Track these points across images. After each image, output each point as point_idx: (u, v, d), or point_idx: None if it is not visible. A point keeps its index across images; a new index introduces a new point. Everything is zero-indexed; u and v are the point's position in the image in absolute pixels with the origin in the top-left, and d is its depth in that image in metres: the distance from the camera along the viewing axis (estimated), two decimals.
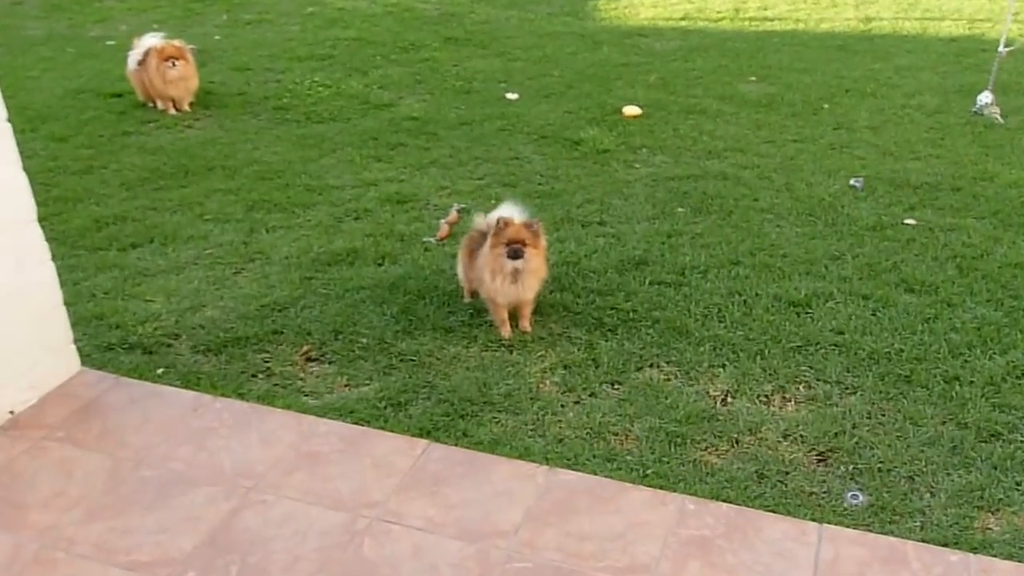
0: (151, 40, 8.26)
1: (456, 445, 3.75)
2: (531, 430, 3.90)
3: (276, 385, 4.30)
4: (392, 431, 3.84)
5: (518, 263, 4.43)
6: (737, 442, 3.82)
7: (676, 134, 7.67)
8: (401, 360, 4.44)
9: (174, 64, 8.01)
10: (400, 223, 5.95)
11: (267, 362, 4.49)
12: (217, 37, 10.94)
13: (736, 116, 8.16)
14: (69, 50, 10.57)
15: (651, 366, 4.35)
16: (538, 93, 8.80)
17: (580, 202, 6.25)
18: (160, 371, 4.42)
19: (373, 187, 6.59)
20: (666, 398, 4.09)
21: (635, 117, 8.08)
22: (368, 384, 4.27)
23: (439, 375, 4.31)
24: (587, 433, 3.88)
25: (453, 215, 5.89)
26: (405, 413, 4.01)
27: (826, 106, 8.46)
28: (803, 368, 4.31)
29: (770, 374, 4.28)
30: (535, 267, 4.51)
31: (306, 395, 4.21)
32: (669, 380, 4.24)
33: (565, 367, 4.35)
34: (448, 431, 3.86)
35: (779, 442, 3.81)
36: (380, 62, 9.92)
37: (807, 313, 4.77)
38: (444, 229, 5.72)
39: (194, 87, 8.28)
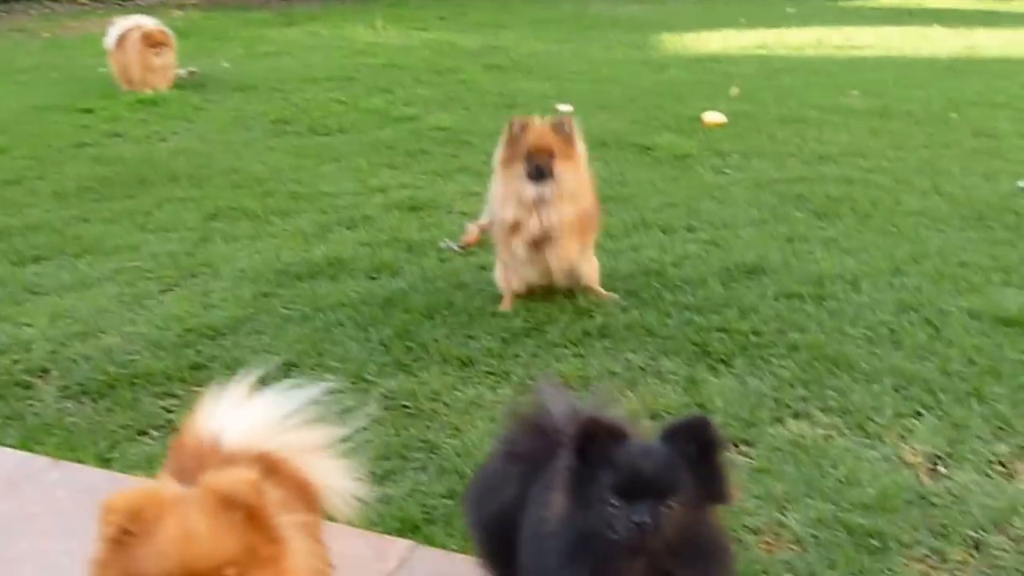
0: (135, 20, 7.72)
1: (462, 550, 2.06)
2: None
3: None
4: (355, 524, 2.15)
5: (545, 189, 2.87)
6: (978, 546, 2.08)
7: (773, 140, 6.04)
8: (387, 407, 2.79)
9: (159, 51, 7.41)
10: (410, 230, 4.36)
11: (170, 411, 2.85)
12: (226, 64, 9.48)
13: (845, 124, 6.51)
14: (52, 75, 9.10)
15: (797, 416, 2.63)
16: (595, 105, 7.21)
17: (658, 206, 4.61)
18: None
19: (380, 193, 5.01)
20: (834, 467, 2.36)
21: (718, 125, 6.46)
22: None
23: (445, 429, 2.65)
24: None
25: (486, 219, 4.28)
26: (381, 493, 2.34)
27: (954, 115, 6.80)
28: None
29: (1000, 427, 2.54)
30: (572, 190, 2.93)
31: None
32: (831, 437, 2.52)
33: (653, 417, 2.66)
34: (450, 525, 2.17)
35: None
36: (409, 83, 8.41)
37: None
38: (472, 232, 4.11)
39: (173, 76, 7.79)
